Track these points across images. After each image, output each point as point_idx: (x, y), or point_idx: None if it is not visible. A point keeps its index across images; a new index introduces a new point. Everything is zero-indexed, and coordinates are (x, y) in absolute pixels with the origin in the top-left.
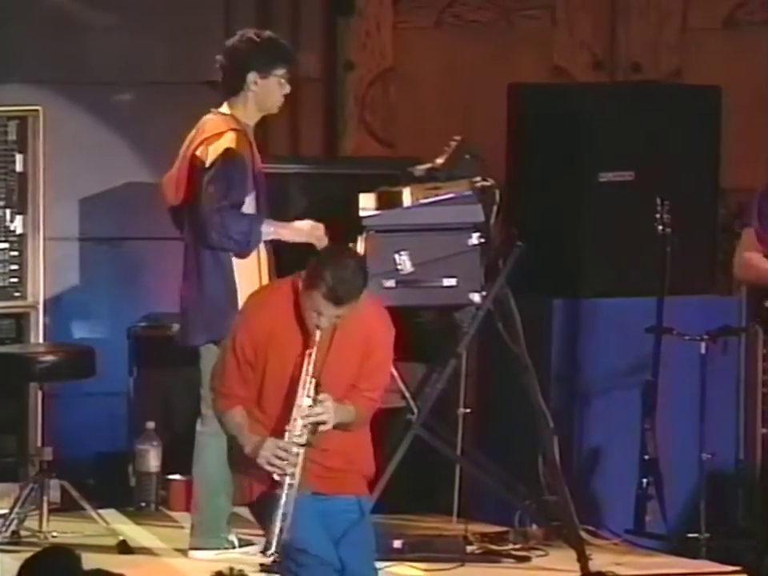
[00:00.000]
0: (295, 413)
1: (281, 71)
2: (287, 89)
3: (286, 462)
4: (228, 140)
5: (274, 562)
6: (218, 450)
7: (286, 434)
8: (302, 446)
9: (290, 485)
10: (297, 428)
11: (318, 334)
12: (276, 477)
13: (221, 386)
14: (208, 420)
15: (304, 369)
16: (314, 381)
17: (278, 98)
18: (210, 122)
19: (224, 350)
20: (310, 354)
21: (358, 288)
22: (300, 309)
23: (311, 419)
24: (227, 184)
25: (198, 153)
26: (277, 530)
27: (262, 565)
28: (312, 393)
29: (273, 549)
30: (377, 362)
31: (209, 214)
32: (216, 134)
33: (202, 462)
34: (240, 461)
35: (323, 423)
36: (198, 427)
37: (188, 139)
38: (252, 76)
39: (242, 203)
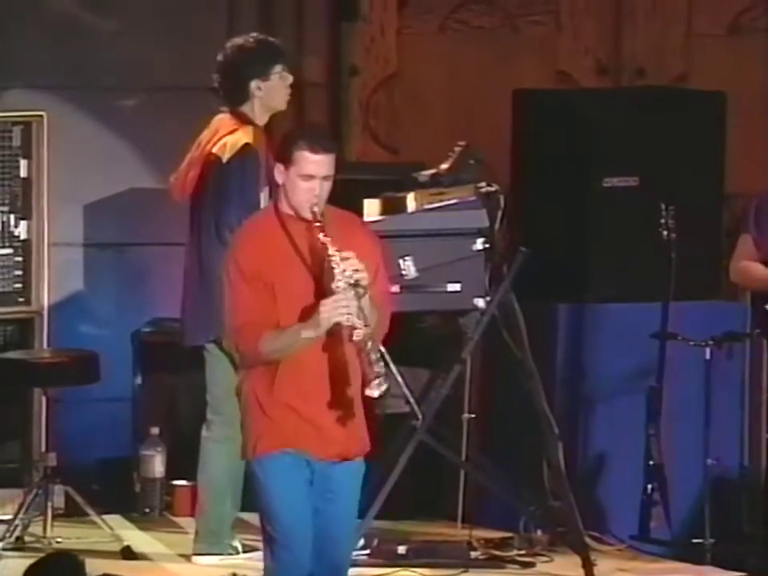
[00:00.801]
0: (336, 268)
1: (279, 68)
2: (290, 79)
3: (350, 305)
4: (246, 134)
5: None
6: (223, 456)
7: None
8: (353, 286)
9: (366, 325)
10: (341, 278)
11: (317, 214)
12: (346, 321)
13: (240, 319)
14: (213, 425)
15: (320, 240)
16: (335, 247)
17: (283, 94)
18: (224, 120)
19: (228, 283)
20: (318, 226)
21: (328, 132)
22: (288, 229)
23: (349, 266)
24: (244, 180)
25: (214, 150)
26: (377, 368)
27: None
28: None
29: (381, 388)
30: (375, 268)
31: (227, 212)
32: (232, 130)
33: (207, 468)
34: (255, 414)
35: (362, 280)
36: (203, 433)
37: (201, 138)
38: (254, 84)
39: (258, 202)
